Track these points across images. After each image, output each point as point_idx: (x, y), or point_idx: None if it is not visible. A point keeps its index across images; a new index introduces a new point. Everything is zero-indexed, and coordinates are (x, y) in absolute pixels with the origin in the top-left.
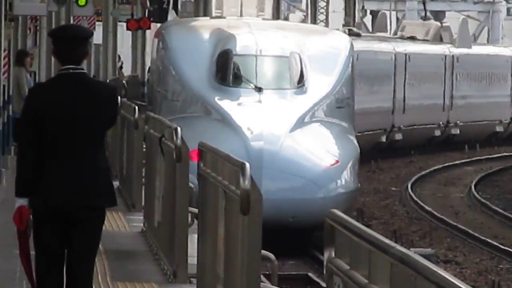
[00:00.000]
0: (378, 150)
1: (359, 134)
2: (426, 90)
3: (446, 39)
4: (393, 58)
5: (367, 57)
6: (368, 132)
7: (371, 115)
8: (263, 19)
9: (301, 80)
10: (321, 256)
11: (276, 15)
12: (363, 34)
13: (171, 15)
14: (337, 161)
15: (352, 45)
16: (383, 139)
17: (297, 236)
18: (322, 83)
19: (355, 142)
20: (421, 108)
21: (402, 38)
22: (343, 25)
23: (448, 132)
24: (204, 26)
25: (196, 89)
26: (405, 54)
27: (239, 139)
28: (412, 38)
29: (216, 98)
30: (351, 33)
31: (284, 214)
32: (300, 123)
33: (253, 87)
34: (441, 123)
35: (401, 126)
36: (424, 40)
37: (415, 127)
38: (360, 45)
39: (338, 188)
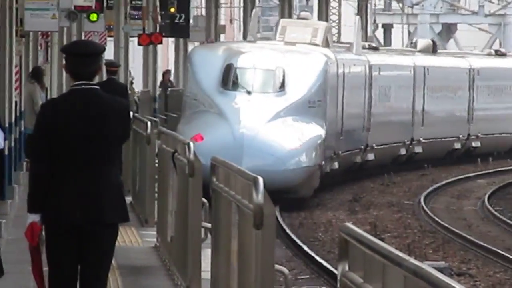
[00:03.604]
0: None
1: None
2: None
3: None
4: None
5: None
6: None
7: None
8: (286, 43)
9: (282, 86)
10: (335, 270)
11: (326, 41)
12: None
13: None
14: (300, 145)
15: (326, 62)
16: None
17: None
18: (298, 89)
19: (321, 132)
20: None
21: None
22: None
23: None
24: (219, 48)
25: (207, 92)
26: None
27: (228, 126)
28: None
29: (218, 98)
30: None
31: None
32: (276, 116)
33: (245, 91)
34: None
35: None
36: None
37: None
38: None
39: (298, 163)
